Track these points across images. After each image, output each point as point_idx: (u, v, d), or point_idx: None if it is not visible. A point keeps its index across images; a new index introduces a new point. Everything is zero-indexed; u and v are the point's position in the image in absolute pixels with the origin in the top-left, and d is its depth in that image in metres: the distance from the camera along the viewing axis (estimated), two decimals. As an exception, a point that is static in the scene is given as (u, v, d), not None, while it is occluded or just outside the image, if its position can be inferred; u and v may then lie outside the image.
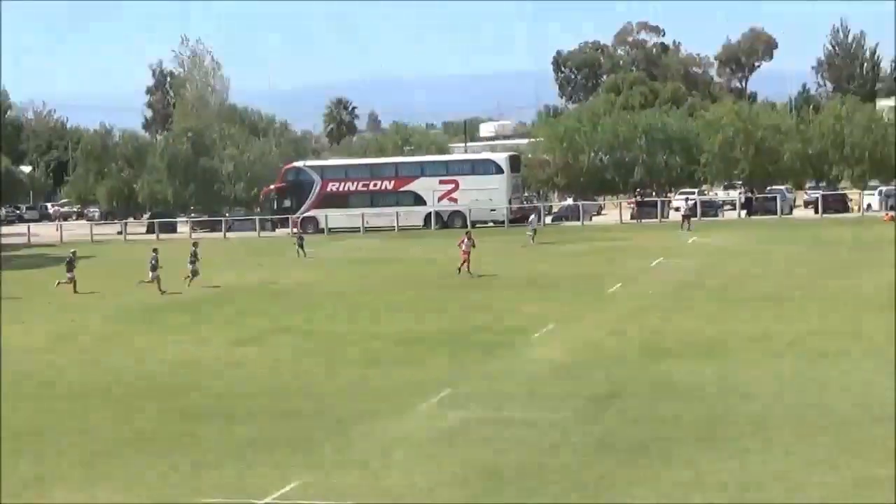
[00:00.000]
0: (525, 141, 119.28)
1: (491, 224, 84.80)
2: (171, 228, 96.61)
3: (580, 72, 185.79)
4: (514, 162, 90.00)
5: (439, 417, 25.15)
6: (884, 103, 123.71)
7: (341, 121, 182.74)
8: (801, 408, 24.47)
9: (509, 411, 25.43)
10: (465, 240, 51.23)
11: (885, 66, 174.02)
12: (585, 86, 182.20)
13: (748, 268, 51.38)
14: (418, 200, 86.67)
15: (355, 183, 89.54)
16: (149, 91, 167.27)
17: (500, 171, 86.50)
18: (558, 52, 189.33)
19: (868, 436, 22.04)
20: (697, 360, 30.27)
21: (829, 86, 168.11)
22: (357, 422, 24.95)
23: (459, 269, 50.37)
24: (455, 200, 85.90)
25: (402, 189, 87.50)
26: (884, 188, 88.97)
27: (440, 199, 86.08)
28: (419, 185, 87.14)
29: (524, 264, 56.74)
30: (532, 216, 73.03)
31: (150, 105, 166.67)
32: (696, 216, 79.77)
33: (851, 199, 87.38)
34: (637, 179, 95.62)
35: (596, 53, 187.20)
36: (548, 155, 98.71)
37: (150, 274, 50.15)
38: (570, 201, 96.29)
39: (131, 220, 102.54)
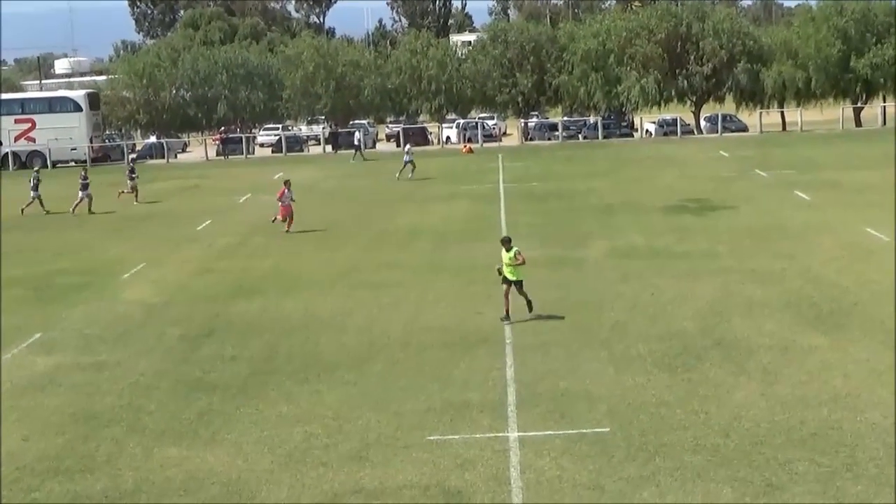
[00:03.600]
0: (103, 77, 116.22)
1: (73, 163, 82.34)
2: None
3: (157, 6, 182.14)
4: (94, 99, 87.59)
5: (29, 365, 24.58)
6: (456, 38, 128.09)
7: None
8: (387, 336, 25.50)
9: (102, 355, 25.15)
10: (286, 191, 42.61)
11: (456, 2, 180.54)
12: (163, 21, 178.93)
13: (330, 202, 52.34)
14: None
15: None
16: None
17: (78, 108, 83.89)
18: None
19: (443, 357, 23.26)
20: (285, 296, 30.87)
21: (405, 21, 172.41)
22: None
23: (274, 220, 42.84)
24: (33, 140, 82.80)
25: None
26: (461, 121, 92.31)
27: (16, 139, 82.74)
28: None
29: (117, 205, 55.29)
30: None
31: None
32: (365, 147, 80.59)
33: (431, 133, 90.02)
34: (220, 116, 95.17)
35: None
36: (128, 92, 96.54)
37: None
38: (153, 139, 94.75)
39: None
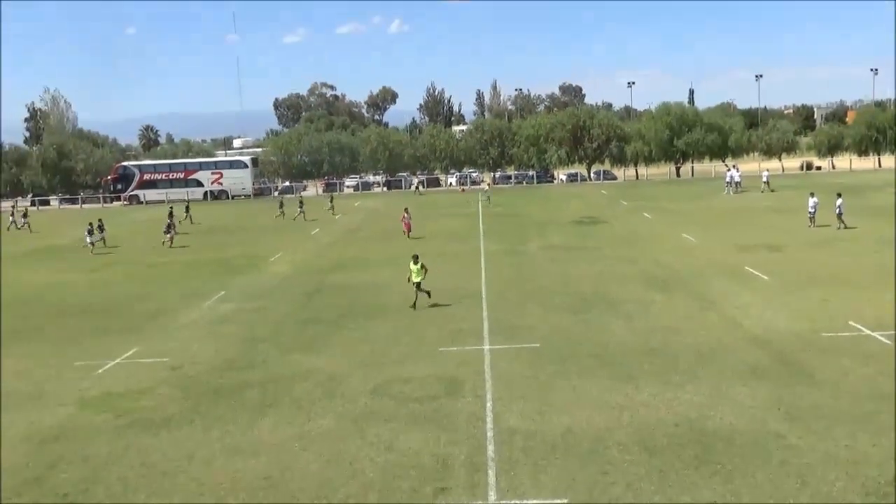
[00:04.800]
0: (260, 149, 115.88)
1: (242, 196, 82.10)
2: (46, 203, 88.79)
3: (289, 110, 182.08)
4: (255, 161, 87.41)
5: (217, 309, 24.49)
6: (456, 128, 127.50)
7: (150, 138, 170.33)
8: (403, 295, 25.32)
9: (259, 303, 25.03)
10: (405, 215, 40.81)
11: (455, 107, 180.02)
12: (293, 118, 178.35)
13: (384, 218, 52.08)
14: (199, 184, 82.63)
15: (161, 174, 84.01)
16: (26, 120, 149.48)
17: (246, 166, 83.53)
18: (276, 98, 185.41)
19: (448, 305, 23.00)
20: (360, 271, 30.69)
21: (427, 118, 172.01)
22: (165, 315, 23.94)
23: (406, 234, 39.81)
24: (221, 184, 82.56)
25: (189, 177, 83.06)
26: (458, 173, 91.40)
27: (212, 182, 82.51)
28: (199, 175, 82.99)
29: (270, 221, 55.03)
30: (484, 186, 65.27)
31: (27, 129, 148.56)
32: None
33: (441, 180, 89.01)
34: (325, 170, 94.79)
35: (298, 100, 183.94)
36: (274, 157, 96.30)
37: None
38: (287, 183, 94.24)
39: (20, 198, 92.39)
